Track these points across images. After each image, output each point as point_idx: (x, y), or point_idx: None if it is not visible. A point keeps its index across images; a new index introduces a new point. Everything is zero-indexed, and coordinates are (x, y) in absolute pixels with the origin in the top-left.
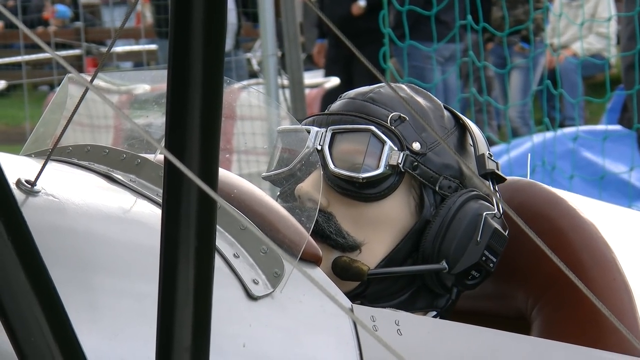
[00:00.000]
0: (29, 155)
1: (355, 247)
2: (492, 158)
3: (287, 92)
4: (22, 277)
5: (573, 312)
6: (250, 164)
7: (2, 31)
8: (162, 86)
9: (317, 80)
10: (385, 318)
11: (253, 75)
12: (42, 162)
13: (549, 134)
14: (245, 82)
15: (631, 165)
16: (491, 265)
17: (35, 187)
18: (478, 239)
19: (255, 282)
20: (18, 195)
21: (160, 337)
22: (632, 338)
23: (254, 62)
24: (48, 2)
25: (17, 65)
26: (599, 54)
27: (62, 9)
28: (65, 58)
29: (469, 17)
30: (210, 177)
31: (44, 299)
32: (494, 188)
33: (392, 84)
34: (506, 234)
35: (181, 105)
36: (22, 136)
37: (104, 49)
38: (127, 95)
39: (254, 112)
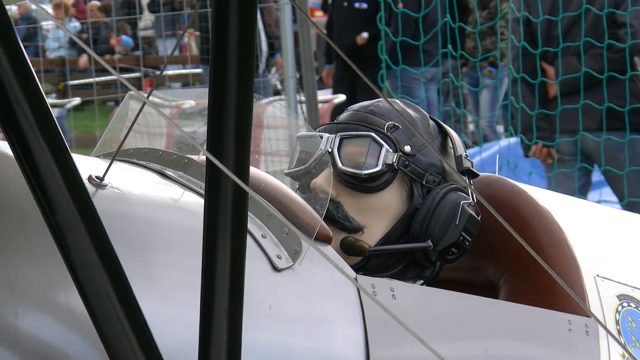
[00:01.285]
0: (98, 156)
1: (358, 229)
2: (468, 158)
3: (304, 106)
4: (93, 254)
5: (532, 281)
6: (275, 163)
7: (85, 63)
8: (204, 102)
9: (327, 97)
10: (383, 285)
11: (277, 93)
12: (109, 161)
13: (512, 139)
14: (270, 98)
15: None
16: (467, 243)
17: (103, 182)
18: (457, 223)
19: (279, 257)
20: (89, 188)
21: (204, 301)
22: (579, 300)
23: (278, 83)
24: (114, 34)
25: (90, 85)
26: None
27: (126, 39)
28: (127, 80)
29: (449, 46)
30: (243, 173)
31: (110, 272)
32: (469, 182)
33: (388, 99)
34: (479, 218)
35: (219, 117)
36: (93, 142)
37: (157, 72)
38: (177, 109)
39: (278, 122)
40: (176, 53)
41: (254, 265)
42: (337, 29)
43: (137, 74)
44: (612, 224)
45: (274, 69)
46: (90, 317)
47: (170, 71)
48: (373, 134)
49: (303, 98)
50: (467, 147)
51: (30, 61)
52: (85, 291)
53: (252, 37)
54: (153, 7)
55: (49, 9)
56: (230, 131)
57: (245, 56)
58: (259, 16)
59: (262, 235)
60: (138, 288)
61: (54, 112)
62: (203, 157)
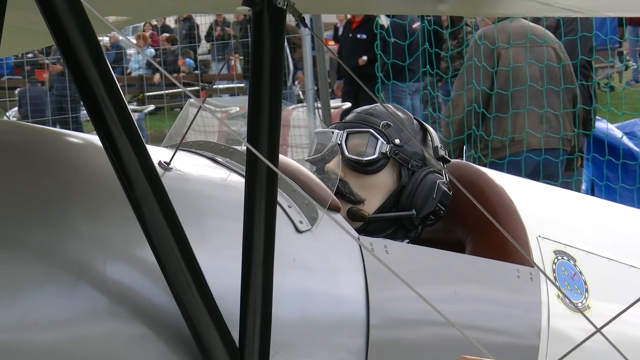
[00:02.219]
0: (166, 147)
1: (360, 201)
2: (442, 148)
3: (320, 111)
4: (162, 219)
5: (490, 240)
6: (298, 152)
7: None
8: (245, 107)
9: (337, 104)
10: (378, 243)
11: (299, 101)
12: (174, 150)
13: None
14: (295, 105)
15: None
16: (442, 212)
17: (169, 166)
18: (434, 197)
19: (301, 222)
20: (159, 170)
21: (245, 256)
22: (525, 254)
23: (300, 93)
24: (180, 57)
25: (161, 96)
26: None
27: (189, 61)
28: (189, 91)
29: (427, 67)
30: (274, 159)
31: (174, 233)
32: (443, 166)
33: (384, 104)
34: (450, 193)
35: (256, 118)
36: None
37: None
38: (226, 113)
39: (300, 122)
40: (225, 72)
41: (282, 228)
42: (344, 54)
43: (196, 87)
44: (550, 197)
45: (297, 83)
46: (159, 266)
47: (221, 85)
48: (371, 130)
49: (319, 105)
50: (441, 140)
51: (117, 78)
52: (155, 247)
53: (280, 59)
54: (209, 38)
55: (132, 39)
56: (264, 128)
57: (275, 73)
58: (286, 44)
59: (288, 205)
60: (195, 245)
61: (134, 116)
62: (244, 148)
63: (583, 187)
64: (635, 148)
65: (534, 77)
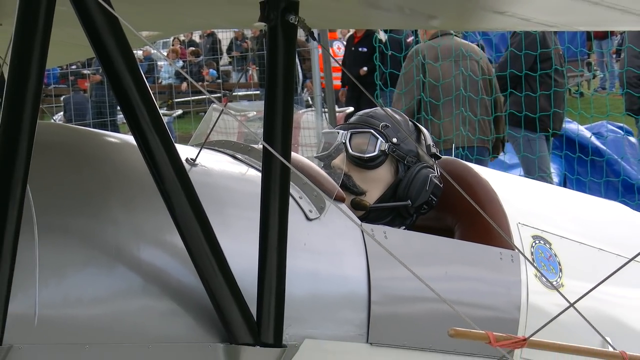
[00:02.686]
0: (192, 146)
1: (362, 193)
2: (433, 146)
3: (326, 114)
4: (188, 209)
5: (476, 227)
6: (308, 150)
7: (185, 87)
8: (261, 111)
9: (341, 108)
10: (378, 229)
11: (308, 106)
12: (199, 149)
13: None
14: (305, 109)
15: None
16: (434, 202)
17: (195, 162)
18: (427, 189)
19: (310, 211)
20: (186, 166)
21: (261, 241)
22: (507, 238)
23: (309, 99)
24: (204, 68)
25: (188, 102)
26: None
27: (212, 72)
28: (212, 97)
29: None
30: (287, 156)
31: (200, 221)
32: (435, 162)
33: (383, 108)
34: (441, 186)
35: (271, 120)
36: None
37: (231, 93)
38: (244, 116)
39: (310, 124)
40: (243, 80)
41: (293, 216)
42: (348, 64)
43: (218, 94)
44: (528, 189)
45: (306, 90)
46: (186, 250)
47: (240, 92)
48: (372, 131)
49: (326, 109)
50: (432, 139)
51: (149, 86)
52: (183, 233)
53: (292, 69)
54: (229, 52)
55: (164, 52)
56: (278, 129)
57: (288, 82)
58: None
59: (299, 196)
60: (218, 231)
61: (164, 119)
62: (260, 146)
63: (556, 180)
64: (602, 146)
65: (458, 87)
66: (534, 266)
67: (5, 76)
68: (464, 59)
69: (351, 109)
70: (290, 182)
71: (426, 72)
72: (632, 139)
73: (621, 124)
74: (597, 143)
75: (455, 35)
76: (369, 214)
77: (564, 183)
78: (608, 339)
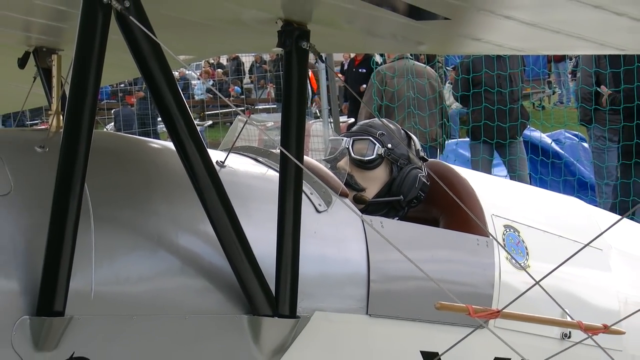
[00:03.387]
0: (221, 151)
1: (362, 190)
2: (421, 151)
3: (332, 125)
4: (218, 203)
5: (457, 218)
6: (317, 154)
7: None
8: (279, 122)
9: (344, 119)
10: (376, 220)
11: (316, 117)
12: (226, 153)
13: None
14: (314, 120)
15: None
16: (422, 197)
17: (224, 164)
18: (416, 186)
19: (319, 205)
20: (217, 167)
21: (279, 228)
22: (483, 227)
23: (317, 112)
24: (230, 85)
25: (217, 114)
26: None
27: (237, 89)
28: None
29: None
30: (300, 159)
31: (228, 212)
32: (423, 164)
33: (380, 118)
34: (428, 184)
35: (287, 129)
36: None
37: (253, 107)
38: (264, 126)
39: (318, 132)
40: (263, 96)
41: (305, 209)
42: (349, 83)
43: (242, 108)
44: (500, 186)
45: (314, 104)
46: (216, 236)
47: (260, 106)
48: (370, 138)
49: (331, 120)
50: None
51: (185, 102)
52: (214, 222)
53: (304, 87)
54: (251, 72)
55: (197, 72)
56: (293, 137)
57: (300, 97)
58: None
59: (310, 193)
60: (243, 221)
61: (198, 128)
62: (278, 150)
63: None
64: (561, 151)
65: (412, 100)
66: (505, 250)
67: (67, 93)
68: (419, 76)
69: (352, 119)
70: (303, 181)
71: (384, 85)
72: (585, 145)
73: (576, 132)
74: (557, 148)
75: (409, 59)
76: (368, 207)
77: (529, 181)
78: (567, 310)
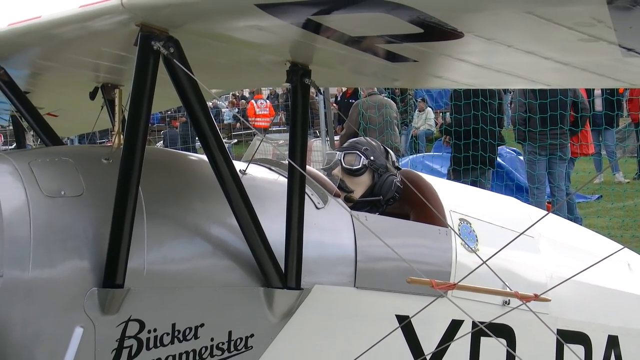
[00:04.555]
0: (243, 162)
1: (351, 192)
2: (396, 162)
3: (328, 142)
4: (241, 202)
5: (424, 213)
6: (316, 165)
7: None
8: (287, 140)
9: (337, 138)
10: (362, 215)
11: (316, 136)
12: (247, 164)
13: (416, 156)
14: (314, 138)
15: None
16: (397, 197)
17: (245, 172)
18: (392, 189)
19: (318, 203)
20: (240, 174)
21: (287, 221)
22: (443, 220)
23: (317, 132)
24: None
25: (240, 135)
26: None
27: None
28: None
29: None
30: (303, 168)
31: (248, 208)
32: (398, 172)
33: (365, 137)
34: (401, 187)
35: (293, 145)
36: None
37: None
38: (276, 143)
39: (318, 148)
40: (275, 120)
41: (307, 207)
42: (342, 110)
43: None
44: (457, 189)
45: (314, 127)
46: (240, 227)
47: (274, 128)
48: (357, 152)
49: (327, 139)
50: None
51: (216, 125)
52: (237, 216)
53: (307, 113)
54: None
55: (225, 102)
56: (298, 151)
57: (304, 121)
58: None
59: (311, 193)
60: (259, 215)
61: (226, 145)
62: (286, 161)
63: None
64: (503, 162)
65: (381, 125)
66: (460, 238)
67: (126, 118)
68: (383, 108)
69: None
70: (306, 185)
71: (362, 114)
72: (521, 158)
73: (514, 148)
74: (500, 160)
75: (379, 94)
76: (355, 205)
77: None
78: (507, 283)
